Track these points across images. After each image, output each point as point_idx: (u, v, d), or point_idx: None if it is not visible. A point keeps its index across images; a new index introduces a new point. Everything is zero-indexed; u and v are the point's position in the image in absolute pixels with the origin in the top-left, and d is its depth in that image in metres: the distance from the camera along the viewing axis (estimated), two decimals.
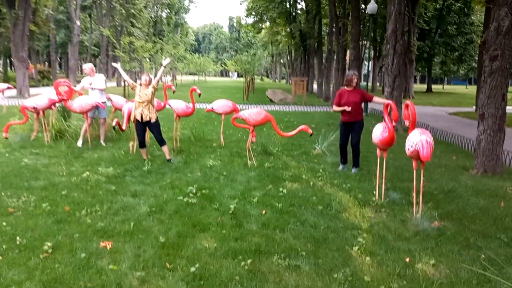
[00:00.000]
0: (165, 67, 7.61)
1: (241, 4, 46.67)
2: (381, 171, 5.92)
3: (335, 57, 25.16)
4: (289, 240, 4.35)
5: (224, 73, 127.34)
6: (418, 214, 4.98)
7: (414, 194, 5.14)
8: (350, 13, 21.73)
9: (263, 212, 5.19)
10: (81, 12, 41.97)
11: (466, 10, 42.37)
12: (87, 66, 9.42)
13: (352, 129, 7.38)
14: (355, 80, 7.33)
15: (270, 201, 5.62)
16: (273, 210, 5.28)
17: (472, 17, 44.09)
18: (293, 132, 7.71)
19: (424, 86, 56.42)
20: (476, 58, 51.08)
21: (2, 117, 13.31)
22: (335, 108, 7.36)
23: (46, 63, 67.85)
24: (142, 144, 7.78)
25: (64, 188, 5.95)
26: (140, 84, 7.56)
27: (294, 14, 42.18)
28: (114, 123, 7.89)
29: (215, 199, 5.65)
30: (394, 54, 13.11)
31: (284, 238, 4.40)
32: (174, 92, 9.93)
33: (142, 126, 7.65)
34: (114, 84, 46.92)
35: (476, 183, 6.86)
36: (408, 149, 4.90)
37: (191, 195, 5.75)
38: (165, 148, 7.80)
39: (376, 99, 7.43)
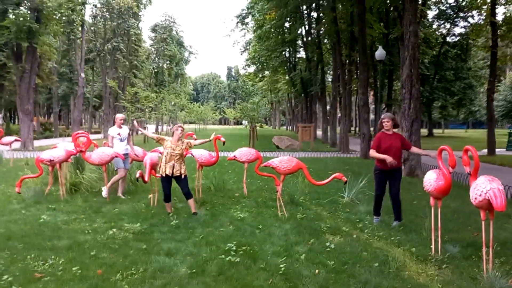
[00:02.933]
0: (210, 140, 7.80)
1: (241, 54, 47.58)
2: (436, 223, 5.47)
3: (341, 103, 25.20)
4: None
5: (223, 121, 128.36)
6: (489, 270, 4.50)
7: (484, 248, 4.67)
8: (356, 60, 21.97)
9: (317, 271, 4.69)
10: (84, 65, 42.61)
11: (462, 56, 43.22)
12: (122, 117, 9.19)
13: (391, 177, 6.83)
14: (390, 122, 6.80)
15: (319, 258, 5.14)
16: (326, 269, 4.79)
17: (468, 63, 44.91)
18: (327, 180, 7.31)
19: (424, 131, 56.69)
20: (476, 102, 51.92)
21: (10, 170, 12.90)
22: (374, 154, 6.76)
23: (46, 116, 68.21)
24: (168, 198, 7.35)
25: (91, 248, 5.45)
26: (176, 138, 7.23)
27: (294, 62, 42.97)
28: (137, 175, 7.51)
29: (258, 256, 5.16)
30: (410, 98, 12.96)
31: None
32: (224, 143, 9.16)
33: (169, 179, 7.26)
34: None
35: None
36: (476, 198, 4.50)
37: (232, 252, 5.27)
38: (191, 201, 7.36)
39: (414, 149, 7.01)
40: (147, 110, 33.32)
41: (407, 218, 7.38)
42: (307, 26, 34.15)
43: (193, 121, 71.10)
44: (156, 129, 56.39)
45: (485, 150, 22.05)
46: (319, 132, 38.12)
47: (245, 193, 9.33)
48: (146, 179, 7.84)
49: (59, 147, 9.36)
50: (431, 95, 42.76)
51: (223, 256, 5.09)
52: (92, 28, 45.18)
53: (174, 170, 7.12)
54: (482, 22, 25.95)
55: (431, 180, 5.34)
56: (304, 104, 41.18)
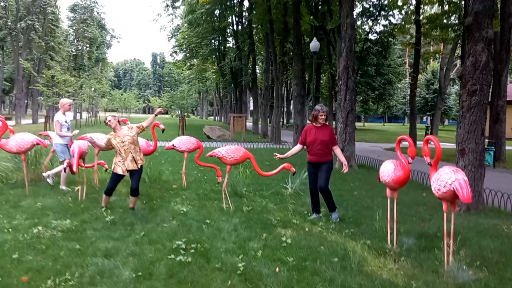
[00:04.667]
0: (156, 115, 6.86)
1: (169, 40, 45.95)
2: (392, 214, 5.36)
3: (274, 94, 25.17)
4: None
5: (147, 109, 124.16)
6: (450, 263, 4.43)
7: (445, 241, 4.60)
8: (289, 51, 21.98)
9: (277, 270, 4.33)
10: None
11: (383, 52, 45.34)
12: (70, 102, 8.28)
13: (320, 170, 6.46)
14: (323, 116, 6.48)
15: (276, 254, 4.78)
16: (286, 266, 4.44)
17: (388, 59, 47.24)
18: (275, 171, 6.99)
19: None
20: (395, 98, 54.98)
21: None
22: (288, 154, 6.82)
23: None
24: (110, 192, 6.60)
25: (12, 250, 4.64)
26: (115, 130, 6.43)
27: (223, 52, 42.33)
28: (65, 165, 6.66)
29: (211, 255, 4.69)
30: (346, 90, 13.09)
31: None
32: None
33: (122, 176, 6.52)
34: (29, 121, 43.32)
35: (471, 223, 6.56)
36: (439, 190, 4.39)
37: (181, 251, 4.74)
38: (135, 198, 6.63)
39: (337, 150, 6.62)
40: (66, 95, 30.94)
41: (353, 209, 7.32)
42: (237, 15, 33.73)
43: (116, 109, 67.85)
44: (74, 117, 52.93)
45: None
46: (249, 123, 38.04)
47: (184, 185, 8.75)
48: (74, 169, 6.99)
49: None
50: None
51: (172, 256, 4.54)
52: (1, 3, 41.01)
53: (137, 162, 6.43)
54: (402, 23, 27.26)
55: (389, 171, 5.20)
56: (234, 94, 40.82)
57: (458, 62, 51.02)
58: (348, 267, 4.45)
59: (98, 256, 4.56)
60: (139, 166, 6.47)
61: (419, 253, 5.00)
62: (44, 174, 8.31)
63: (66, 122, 8.03)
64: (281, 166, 6.85)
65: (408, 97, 62.41)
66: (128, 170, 6.42)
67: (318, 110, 6.51)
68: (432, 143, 4.72)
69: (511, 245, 5.46)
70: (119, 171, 6.40)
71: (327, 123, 6.62)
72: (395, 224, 5.32)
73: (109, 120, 6.42)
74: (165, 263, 4.41)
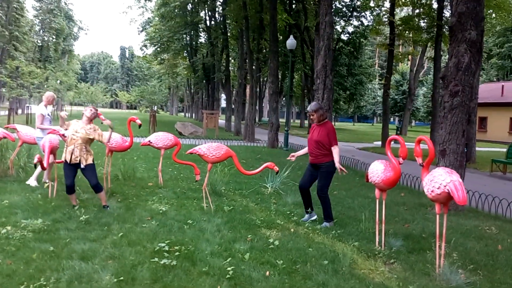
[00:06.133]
0: (112, 128, 6.42)
1: (139, 34, 44.84)
2: (381, 216, 5.26)
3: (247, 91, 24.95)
4: None
5: (115, 104, 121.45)
6: (441, 266, 4.36)
7: (437, 243, 4.52)
8: (264, 48, 21.78)
9: (267, 273, 4.14)
10: None
11: (355, 53, 45.90)
12: (53, 95, 8.04)
13: (318, 173, 6.10)
14: (312, 116, 6.15)
15: (264, 256, 4.59)
16: (276, 270, 4.25)
17: (360, 60, 47.89)
18: (258, 170, 6.77)
19: None
20: (365, 98, 55.86)
21: None
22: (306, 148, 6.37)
23: None
24: (70, 190, 6.16)
25: None
26: (82, 116, 6.13)
27: (195, 47, 41.72)
28: (35, 160, 6.25)
29: (196, 258, 4.44)
30: (324, 89, 13.02)
31: None
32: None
33: (71, 167, 6.12)
34: None
35: (452, 224, 6.56)
36: (433, 191, 4.30)
37: (164, 254, 4.46)
38: (102, 194, 6.29)
39: (334, 151, 5.96)
40: (31, 87, 29.71)
41: (336, 209, 7.17)
42: (210, 10, 33.26)
43: (82, 103, 65.93)
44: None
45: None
46: (221, 121, 37.65)
47: (161, 183, 8.43)
48: (45, 165, 6.57)
49: None
50: None
51: (156, 259, 4.26)
52: None
53: (73, 157, 6.02)
54: (374, 24, 27.60)
55: (378, 171, 5.09)
56: (206, 90, 40.31)
57: (426, 65, 52.38)
58: (339, 271, 4.30)
59: (74, 259, 4.24)
60: (73, 162, 6.05)
61: (408, 255, 4.93)
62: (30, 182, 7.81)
63: (48, 115, 7.88)
64: (264, 165, 6.65)
65: (378, 98, 63.78)
66: (72, 165, 6.08)
67: (307, 110, 6.29)
68: (425, 143, 4.63)
69: (495, 247, 5.47)
70: (62, 157, 6.18)
71: (325, 120, 6.14)
72: (383, 225, 5.22)
73: (91, 110, 6.19)
74: (148, 266, 4.14)
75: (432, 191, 4.32)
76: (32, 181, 7.58)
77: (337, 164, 5.90)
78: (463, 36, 7.31)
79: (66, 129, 6.21)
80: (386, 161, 5.22)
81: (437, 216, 4.48)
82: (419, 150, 4.68)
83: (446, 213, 4.48)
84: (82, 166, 6.08)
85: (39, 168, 7.28)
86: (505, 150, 18.98)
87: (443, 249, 4.47)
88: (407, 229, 6.12)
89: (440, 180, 4.23)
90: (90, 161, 6.16)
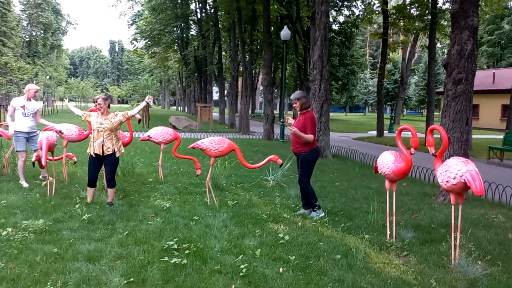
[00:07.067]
0: (148, 103, 6.46)
1: (129, 27, 44.23)
2: (391, 207, 5.16)
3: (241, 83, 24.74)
4: None
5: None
6: (457, 257, 4.28)
7: (453, 235, 4.43)
8: (257, 39, 21.55)
9: (281, 270, 4.03)
10: None
11: (347, 43, 45.78)
12: (36, 89, 7.56)
13: (299, 163, 6.07)
14: (298, 103, 6.00)
15: (276, 252, 4.48)
16: (289, 266, 4.15)
17: (352, 50, 47.81)
18: (261, 163, 6.67)
19: None
20: (357, 88, 55.84)
21: None
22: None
23: None
24: (93, 183, 6.17)
25: None
26: (102, 114, 6.03)
27: (186, 40, 41.28)
28: (34, 158, 6.07)
29: (207, 256, 4.32)
30: (321, 79, 12.88)
31: None
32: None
33: (97, 162, 6.08)
34: None
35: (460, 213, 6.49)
36: (448, 181, 4.20)
37: (174, 252, 4.34)
38: (113, 191, 6.21)
39: (307, 136, 5.80)
40: (21, 83, 29.24)
41: (340, 201, 7.11)
42: (201, 2, 32.83)
43: (73, 98, 65.23)
44: None
45: (374, 132, 23.48)
46: (215, 114, 37.38)
47: (161, 178, 8.28)
48: (43, 163, 6.40)
49: None
50: None
51: (166, 258, 4.14)
52: None
53: (105, 149, 5.95)
54: (364, 13, 27.43)
55: (389, 162, 4.98)
56: (198, 83, 39.98)
57: (416, 54, 52.36)
58: (354, 265, 4.21)
59: (80, 261, 4.10)
60: (106, 153, 5.98)
61: (421, 247, 4.84)
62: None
63: (22, 107, 7.30)
64: (268, 158, 6.54)
65: (369, 88, 63.72)
66: (98, 156, 5.99)
67: (290, 98, 6.20)
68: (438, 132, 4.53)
69: (505, 235, 5.41)
70: (88, 150, 6.08)
71: (307, 109, 6.02)
72: (394, 217, 5.14)
73: (99, 103, 6.02)
74: (158, 266, 4.01)
75: (447, 181, 4.22)
76: (23, 182, 7.34)
77: (291, 130, 5.79)
78: (466, 23, 7.20)
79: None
80: (395, 152, 5.11)
81: (452, 207, 4.38)
82: (432, 140, 4.57)
83: (461, 203, 4.39)
84: (117, 155, 6.07)
85: (20, 166, 7.18)
86: (498, 137, 19.02)
87: (459, 240, 4.39)
88: (415, 220, 6.04)
89: (456, 170, 4.13)
90: (122, 149, 6.21)
